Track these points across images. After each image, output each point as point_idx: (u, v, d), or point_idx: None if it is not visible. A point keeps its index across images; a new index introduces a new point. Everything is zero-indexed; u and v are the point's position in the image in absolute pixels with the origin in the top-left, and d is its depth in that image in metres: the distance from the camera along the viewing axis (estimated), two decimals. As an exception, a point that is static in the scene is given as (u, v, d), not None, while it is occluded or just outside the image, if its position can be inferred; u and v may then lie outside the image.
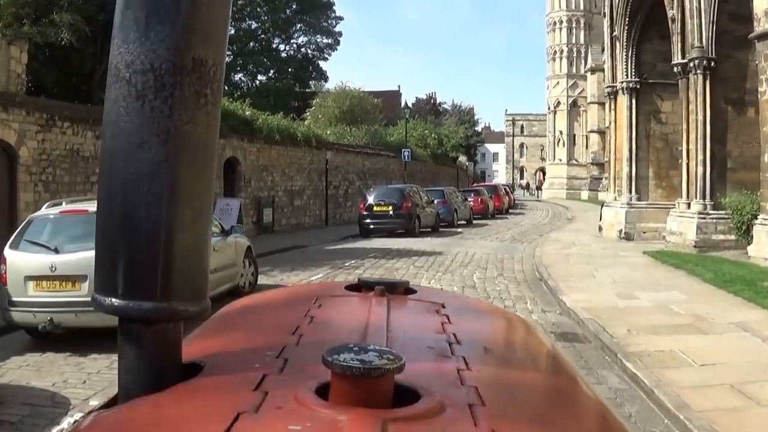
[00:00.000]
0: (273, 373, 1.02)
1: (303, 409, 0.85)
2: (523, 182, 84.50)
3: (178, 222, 1.03)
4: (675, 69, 16.60)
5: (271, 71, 40.79)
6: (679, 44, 16.49)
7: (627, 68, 19.79)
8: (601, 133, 59.79)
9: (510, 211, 38.33)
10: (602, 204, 21.94)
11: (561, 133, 64.95)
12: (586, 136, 62.49)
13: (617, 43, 20.36)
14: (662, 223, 19.30)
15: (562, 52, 64.43)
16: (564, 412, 1.13)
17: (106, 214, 1.05)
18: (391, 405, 0.87)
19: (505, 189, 41.15)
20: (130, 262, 1.02)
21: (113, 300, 1.03)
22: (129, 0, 1.03)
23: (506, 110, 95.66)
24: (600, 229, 21.04)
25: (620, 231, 19.41)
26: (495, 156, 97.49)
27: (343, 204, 27.68)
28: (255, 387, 0.96)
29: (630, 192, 19.63)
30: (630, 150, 19.62)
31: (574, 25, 63.87)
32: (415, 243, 19.03)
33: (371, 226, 21.46)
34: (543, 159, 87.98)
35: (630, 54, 19.74)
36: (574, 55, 64.17)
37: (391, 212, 21.16)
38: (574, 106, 64.20)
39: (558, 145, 65.54)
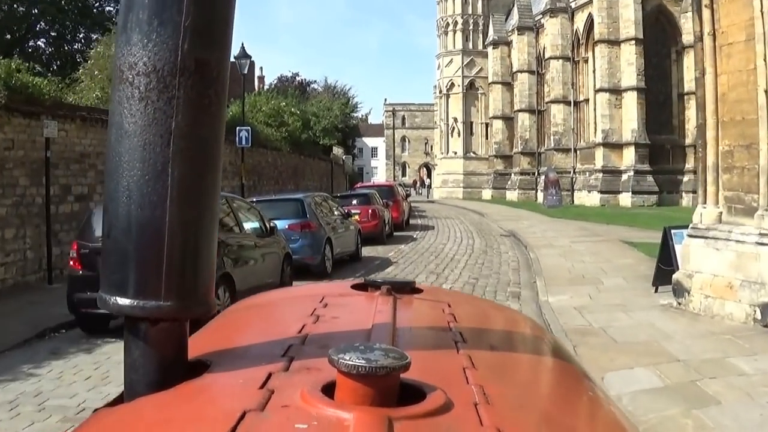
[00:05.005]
0: (279, 372, 1.01)
1: (309, 408, 0.84)
2: (407, 179, 73.03)
3: (183, 222, 1.02)
4: None
5: (95, 36, 28.05)
6: None
7: None
8: (507, 119, 49.21)
9: (410, 223, 25.80)
10: (667, 228, 9.55)
11: (456, 120, 54.11)
12: (487, 123, 51.85)
13: None
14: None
15: (456, 24, 53.66)
16: (570, 410, 1.14)
17: (112, 215, 1.04)
18: (397, 404, 0.85)
19: (404, 191, 28.77)
20: (135, 262, 1.02)
21: (119, 299, 1.01)
22: (132, 2, 1.01)
23: (386, 99, 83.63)
24: (674, 289, 8.81)
25: (761, 307, 7.29)
26: (374, 151, 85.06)
27: (96, 231, 13.75)
28: (261, 385, 0.94)
29: (774, 205, 7.57)
30: (772, 97, 7.55)
31: (471, -8, 52.75)
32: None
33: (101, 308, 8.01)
34: (427, 153, 77.30)
35: None
36: (470, 27, 53.48)
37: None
38: (471, 87, 53.43)
39: (452, 135, 54.59)
